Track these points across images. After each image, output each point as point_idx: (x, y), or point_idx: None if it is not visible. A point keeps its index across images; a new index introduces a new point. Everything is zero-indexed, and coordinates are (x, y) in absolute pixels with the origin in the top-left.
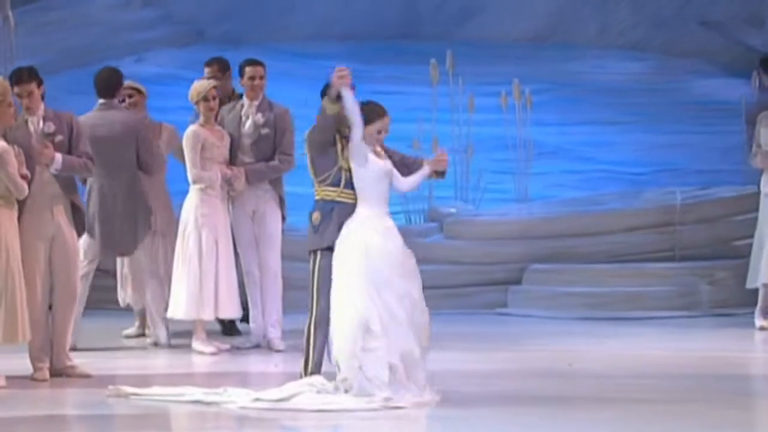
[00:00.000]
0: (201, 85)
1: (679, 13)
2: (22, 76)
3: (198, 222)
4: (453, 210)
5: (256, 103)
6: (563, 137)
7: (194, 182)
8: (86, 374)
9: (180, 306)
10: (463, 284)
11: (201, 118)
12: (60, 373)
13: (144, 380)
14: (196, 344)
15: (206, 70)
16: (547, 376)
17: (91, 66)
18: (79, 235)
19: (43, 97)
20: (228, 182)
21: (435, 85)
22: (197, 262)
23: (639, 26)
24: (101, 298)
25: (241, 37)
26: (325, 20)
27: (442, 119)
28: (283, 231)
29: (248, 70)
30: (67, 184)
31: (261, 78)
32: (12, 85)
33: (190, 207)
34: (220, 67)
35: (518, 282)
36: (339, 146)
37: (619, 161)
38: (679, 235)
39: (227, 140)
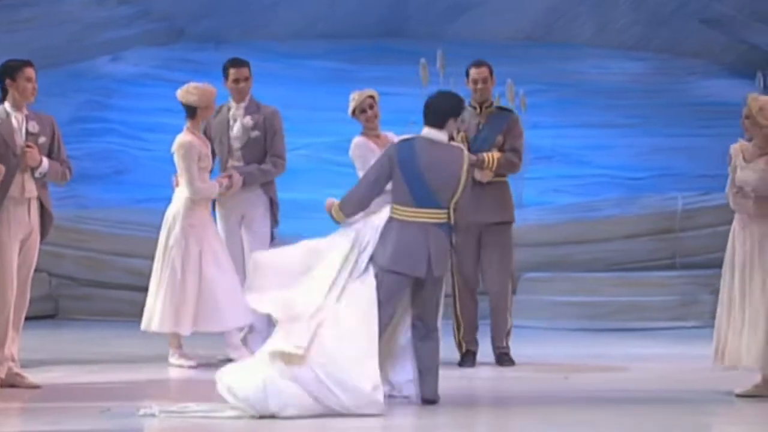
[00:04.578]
0: (212, 89)
1: (679, 9)
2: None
3: (185, 231)
4: None
5: (243, 105)
6: (559, 140)
7: (196, 196)
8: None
9: (155, 317)
10: None
11: (190, 124)
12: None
13: (125, 393)
14: (173, 358)
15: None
16: (543, 389)
17: (65, 66)
18: (42, 239)
19: None
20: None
21: (425, 86)
22: (180, 274)
23: (638, 24)
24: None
25: (221, 35)
26: (309, 18)
27: None
28: (274, 237)
29: (232, 72)
30: (42, 183)
31: (246, 80)
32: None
33: (176, 216)
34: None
35: (512, 291)
36: None
37: (618, 165)
38: (679, 242)
39: (209, 147)
